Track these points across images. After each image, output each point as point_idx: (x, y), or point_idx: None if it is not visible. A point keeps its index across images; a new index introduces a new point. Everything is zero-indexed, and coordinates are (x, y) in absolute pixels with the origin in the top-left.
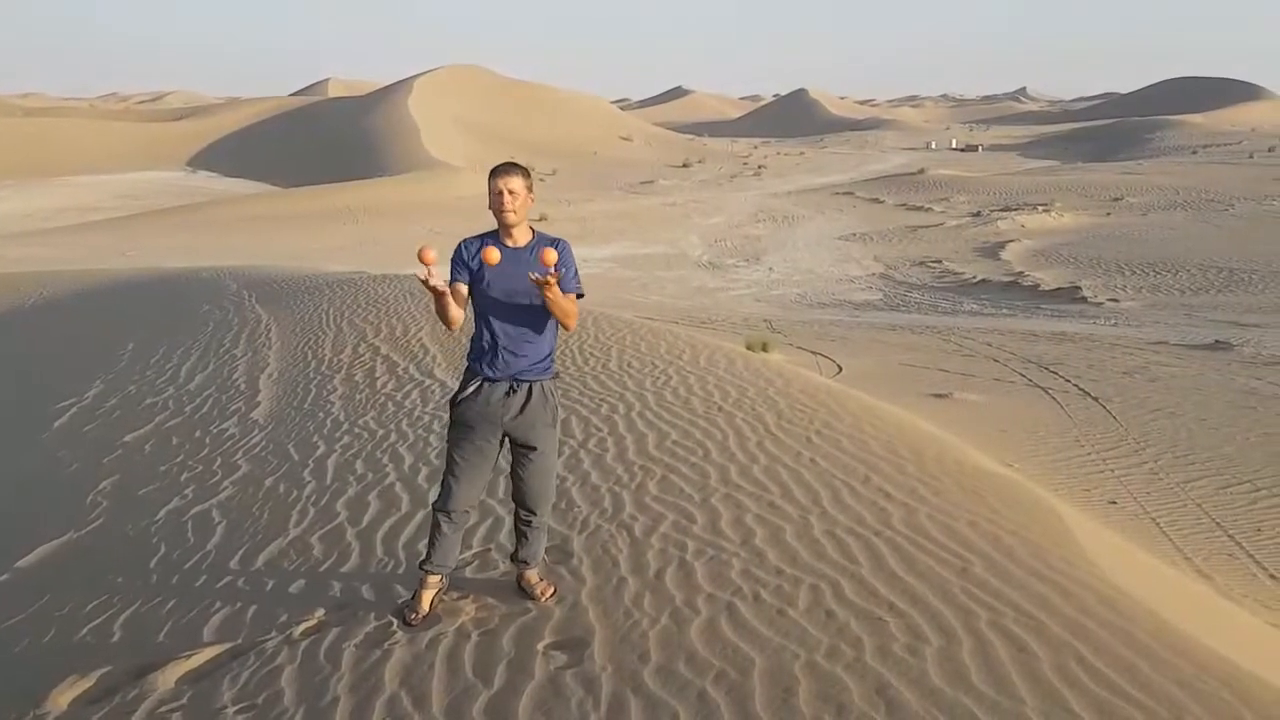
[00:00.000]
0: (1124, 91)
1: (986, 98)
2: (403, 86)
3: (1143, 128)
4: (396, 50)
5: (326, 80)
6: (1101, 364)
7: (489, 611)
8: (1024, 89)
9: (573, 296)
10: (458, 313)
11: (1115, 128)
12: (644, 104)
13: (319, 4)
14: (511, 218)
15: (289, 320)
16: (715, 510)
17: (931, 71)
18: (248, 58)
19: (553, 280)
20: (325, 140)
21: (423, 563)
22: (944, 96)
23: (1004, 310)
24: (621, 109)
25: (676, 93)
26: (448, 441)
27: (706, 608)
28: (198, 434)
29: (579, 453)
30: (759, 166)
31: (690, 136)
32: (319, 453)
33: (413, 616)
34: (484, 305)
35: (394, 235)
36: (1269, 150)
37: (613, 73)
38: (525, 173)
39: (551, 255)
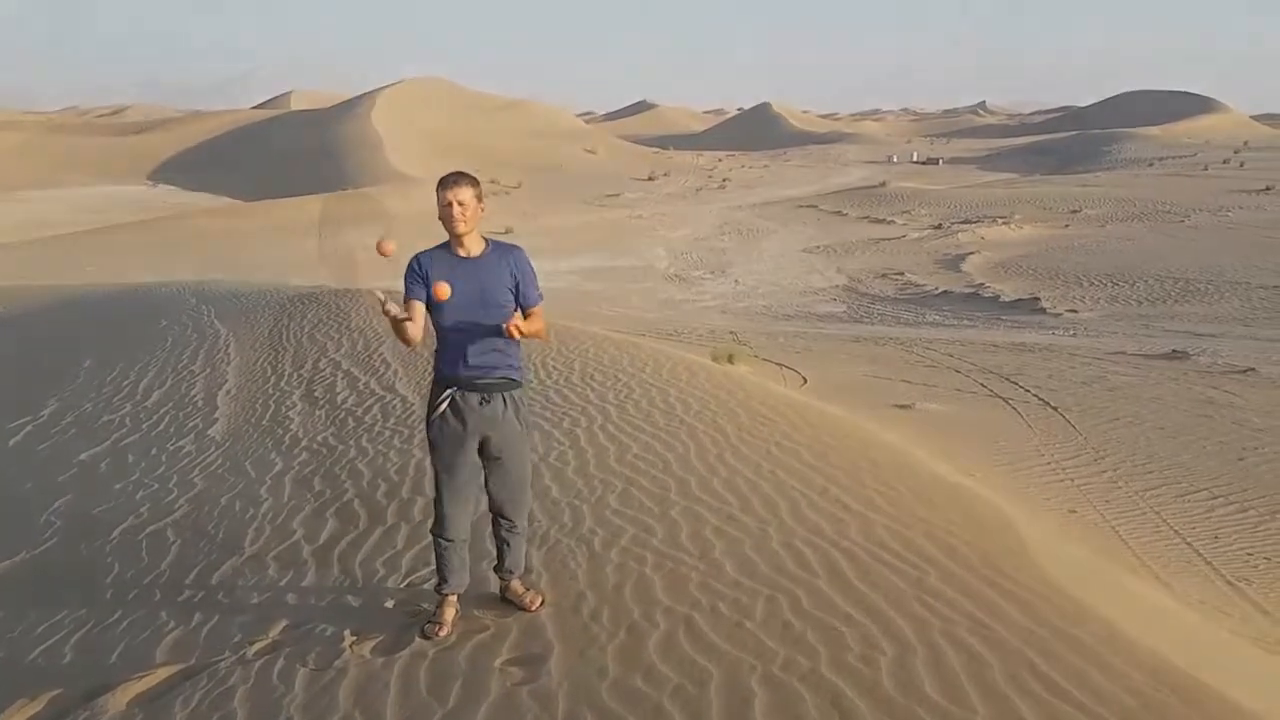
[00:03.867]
0: (1082, 105)
1: (947, 111)
2: (366, 99)
3: (1100, 140)
4: (360, 63)
5: (289, 93)
6: (1061, 374)
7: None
8: (984, 103)
9: (538, 310)
10: (416, 331)
11: (1073, 140)
12: (609, 117)
13: (287, 18)
14: (461, 227)
15: (248, 336)
16: (675, 523)
17: (893, 86)
18: (214, 70)
19: (519, 326)
20: (288, 153)
21: (439, 586)
22: (905, 110)
23: (965, 321)
24: (586, 122)
25: (641, 106)
26: (432, 465)
27: (665, 621)
28: (154, 451)
29: (539, 466)
30: (724, 179)
31: (655, 149)
32: (276, 470)
33: (437, 630)
34: (446, 319)
35: (356, 248)
36: (1223, 162)
37: (577, 86)
38: (474, 182)
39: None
